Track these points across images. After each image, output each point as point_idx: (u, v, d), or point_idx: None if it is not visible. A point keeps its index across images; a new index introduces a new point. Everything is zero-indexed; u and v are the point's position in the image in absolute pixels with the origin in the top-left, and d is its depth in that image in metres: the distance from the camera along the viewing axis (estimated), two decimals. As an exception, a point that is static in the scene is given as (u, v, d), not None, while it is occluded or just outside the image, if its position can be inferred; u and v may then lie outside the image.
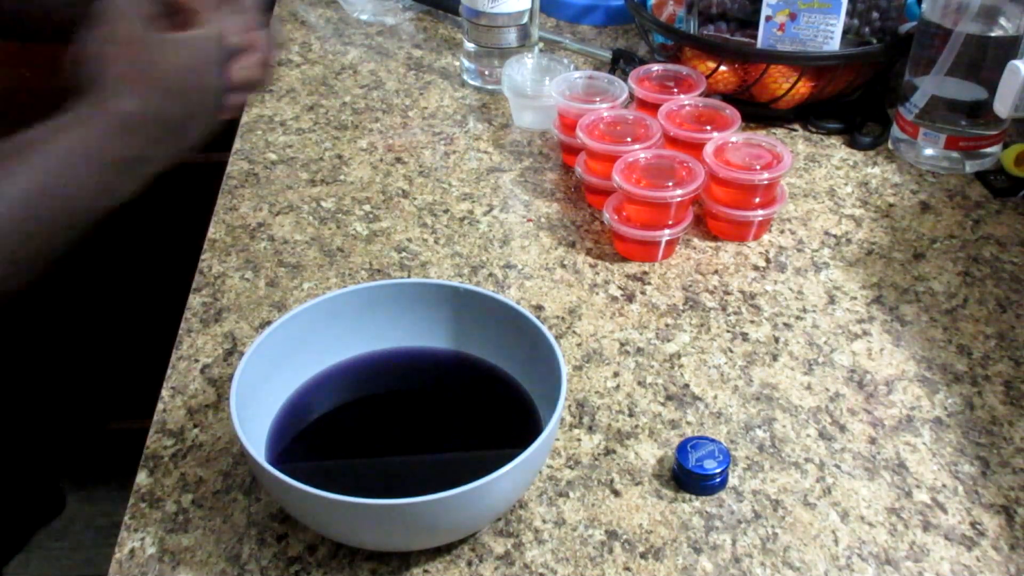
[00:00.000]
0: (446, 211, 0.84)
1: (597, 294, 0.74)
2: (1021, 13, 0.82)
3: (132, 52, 0.60)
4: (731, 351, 0.69)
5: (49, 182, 0.57)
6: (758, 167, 0.78)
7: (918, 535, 0.56)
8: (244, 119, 0.96)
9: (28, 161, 0.56)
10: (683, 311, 0.73)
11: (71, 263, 0.60)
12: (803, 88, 0.92)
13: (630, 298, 0.74)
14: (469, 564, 0.55)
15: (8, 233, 0.55)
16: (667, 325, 0.71)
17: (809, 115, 0.96)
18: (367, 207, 0.84)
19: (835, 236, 0.81)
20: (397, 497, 0.48)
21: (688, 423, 0.63)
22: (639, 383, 0.66)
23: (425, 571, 0.54)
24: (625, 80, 0.90)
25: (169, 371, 0.68)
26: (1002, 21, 0.83)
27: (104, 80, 0.59)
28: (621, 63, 1.04)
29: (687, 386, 0.66)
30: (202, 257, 0.79)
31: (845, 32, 0.90)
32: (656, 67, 0.92)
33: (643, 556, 0.55)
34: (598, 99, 0.87)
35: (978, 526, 0.57)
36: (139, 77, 0.60)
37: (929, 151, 0.89)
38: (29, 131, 0.58)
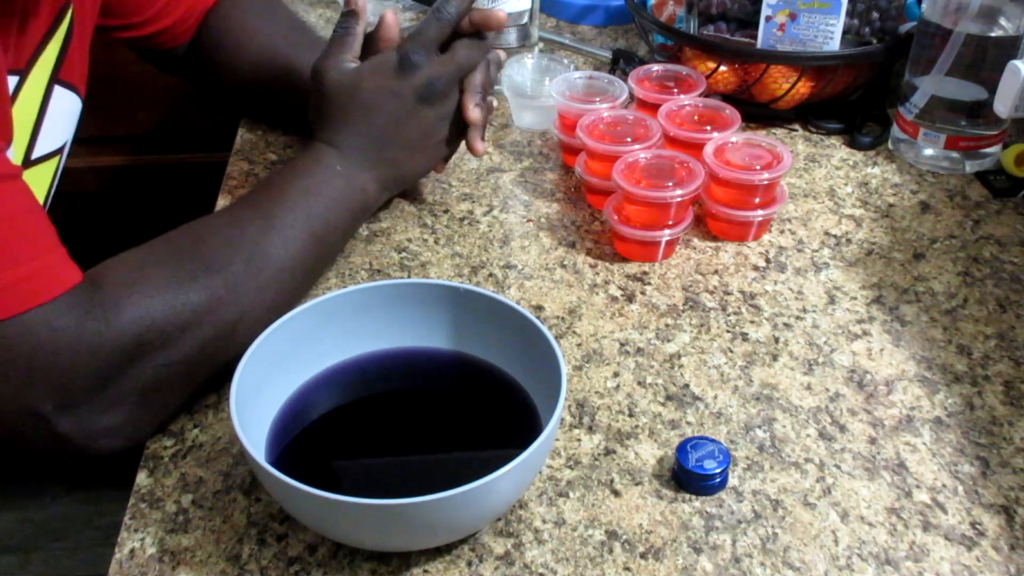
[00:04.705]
0: (446, 211, 0.84)
1: (597, 294, 0.74)
2: (1021, 13, 0.82)
3: (378, 130, 0.74)
4: (731, 351, 0.69)
5: (325, 229, 0.70)
6: (758, 167, 0.78)
7: (918, 535, 0.56)
8: (244, 120, 0.96)
9: (307, 210, 0.69)
10: (683, 311, 0.73)
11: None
12: (803, 88, 0.92)
13: (630, 298, 0.74)
14: (469, 564, 0.55)
15: (295, 267, 0.66)
16: (667, 325, 0.71)
17: (809, 115, 0.96)
18: (367, 207, 0.84)
19: (835, 236, 0.81)
20: (397, 497, 0.48)
21: (688, 423, 0.63)
22: (639, 383, 0.66)
23: (425, 571, 0.54)
24: (625, 80, 0.90)
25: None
26: (1002, 21, 0.83)
27: (348, 147, 0.73)
28: (621, 63, 1.04)
29: (687, 386, 0.66)
30: (202, 257, 0.79)
31: (845, 32, 0.90)
32: (656, 67, 0.92)
33: (643, 556, 0.55)
34: (598, 99, 0.87)
35: (978, 526, 0.57)
36: (382, 170, 0.75)
37: (929, 151, 0.89)
38: (294, 176, 0.71)
